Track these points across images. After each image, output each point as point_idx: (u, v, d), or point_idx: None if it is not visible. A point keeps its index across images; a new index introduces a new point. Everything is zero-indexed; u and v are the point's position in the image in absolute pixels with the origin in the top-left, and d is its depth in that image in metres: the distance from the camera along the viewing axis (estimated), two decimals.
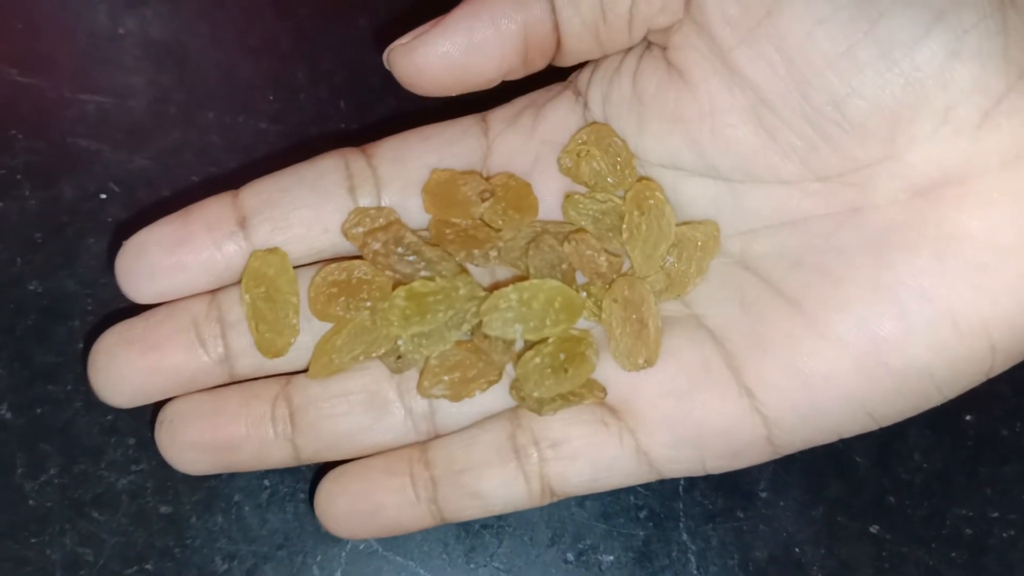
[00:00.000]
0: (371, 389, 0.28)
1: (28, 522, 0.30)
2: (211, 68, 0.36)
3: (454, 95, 0.28)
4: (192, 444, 0.28)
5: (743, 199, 0.27)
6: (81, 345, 0.32)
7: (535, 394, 0.27)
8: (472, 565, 0.31)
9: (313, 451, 0.28)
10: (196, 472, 0.28)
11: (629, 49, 0.28)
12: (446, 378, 0.27)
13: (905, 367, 0.25)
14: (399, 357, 0.27)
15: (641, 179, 0.28)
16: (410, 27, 0.37)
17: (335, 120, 0.36)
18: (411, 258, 0.27)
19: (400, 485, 0.27)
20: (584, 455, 0.27)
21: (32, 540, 0.30)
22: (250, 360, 0.28)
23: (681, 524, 0.32)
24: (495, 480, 0.27)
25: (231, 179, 0.34)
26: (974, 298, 0.24)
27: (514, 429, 0.28)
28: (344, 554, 0.31)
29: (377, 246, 0.27)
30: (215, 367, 0.28)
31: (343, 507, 0.28)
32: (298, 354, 0.28)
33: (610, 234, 0.28)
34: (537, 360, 0.26)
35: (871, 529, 0.32)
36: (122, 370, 0.27)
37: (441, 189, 0.27)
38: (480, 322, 0.27)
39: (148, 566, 0.30)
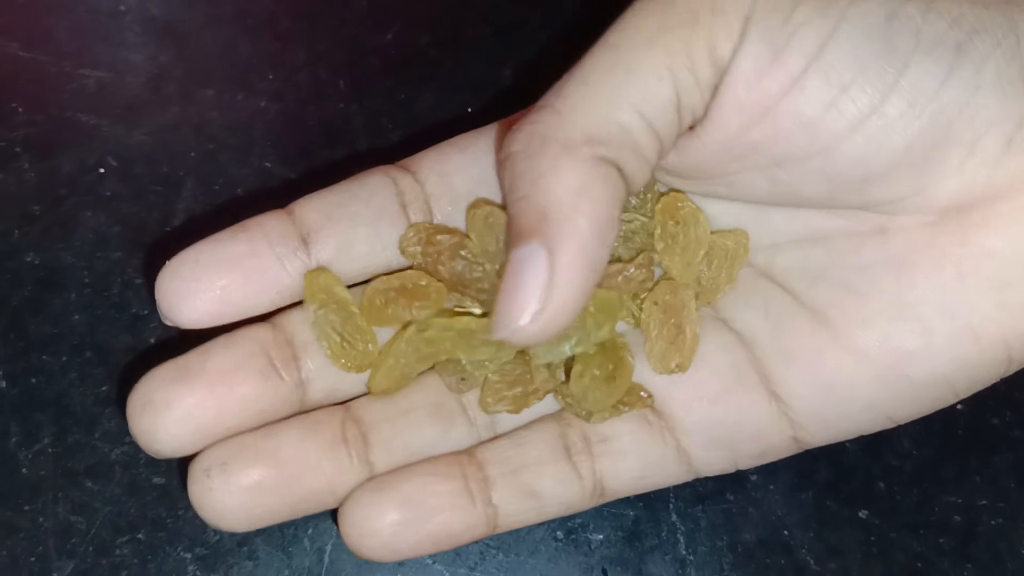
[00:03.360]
0: (435, 401, 0.27)
1: (21, 490, 0.30)
2: (210, 46, 0.36)
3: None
4: (253, 487, 0.25)
5: (767, 217, 0.27)
6: (77, 317, 0.32)
7: (594, 408, 0.27)
8: None
9: (387, 470, 0.26)
10: (250, 525, 0.25)
11: None
12: (508, 394, 0.27)
13: (926, 377, 0.25)
14: (462, 379, 0.27)
15: (668, 191, 0.28)
16: (408, 10, 0.37)
17: (334, 99, 0.36)
18: (475, 265, 0.27)
19: (455, 488, 0.26)
20: (633, 451, 0.27)
21: (25, 508, 0.30)
22: (323, 383, 0.27)
23: (671, 505, 0.32)
24: (552, 478, 0.27)
25: (231, 155, 0.35)
26: (996, 314, 0.24)
27: (563, 428, 0.27)
28: (335, 528, 0.31)
29: (442, 247, 0.27)
30: (290, 394, 0.26)
31: (391, 518, 0.25)
32: (358, 377, 0.27)
33: (640, 252, 0.28)
34: (588, 376, 0.26)
35: (860, 514, 0.32)
36: (182, 411, 0.25)
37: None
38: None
39: (140, 535, 0.30)
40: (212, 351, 0.26)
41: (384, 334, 0.27)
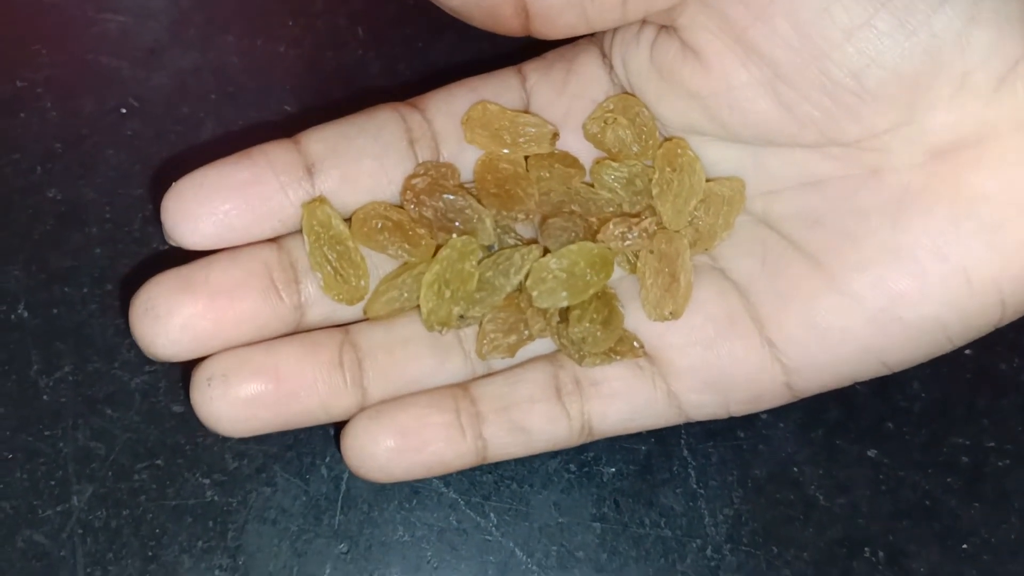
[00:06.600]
0: (432, 333, 0.28)
1: (42, 416, 0.31)
2: None
3: None
4: (250, 399, 0.26)
5: (765, 162, 0.28)
6: (99, 250, 0.33)
7: (593, 351, 0.27)
8: (477, 472, 0.32)
9: (380, 396, 0.27)
10: (246, 432, 0.27)
11: (643, 20, 0.28)
12: (503, 342, 0.28)
13: (919, 320, 0.26)
14: (461, 317, 0.28)
15: (669, 139, 0.28)
16: None
17: (352, 46, 0.36)
18: (454, 203, 0.27)
19: (447, 420, 0.27)
20: (622, 395, 0.28)
21: (46, 433, 0.31)
22: (321, 309, 0.27)
23: (682, 441, 0.32)
24: (541, 416, 0.28)
25: (250, 98, 0.35)
26: (987, 256, 0.25)
27: (556, 370, 0.28)
28: None
29: (422, 185, 0.27)
30: (288, 315, 0.27)
31: (386, 444, 0.27)
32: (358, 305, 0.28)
33: (638, 197, 0.28)
34: (587, 319, 0.27)
35: (869, 453, 0.33)
36: (183, 319, 0.26)
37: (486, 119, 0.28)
38: (522, 287, 0.28)
39: (159, 462, 0.31)
40: (215, 264, 0.26)
41: (377, 260, 0.28)
